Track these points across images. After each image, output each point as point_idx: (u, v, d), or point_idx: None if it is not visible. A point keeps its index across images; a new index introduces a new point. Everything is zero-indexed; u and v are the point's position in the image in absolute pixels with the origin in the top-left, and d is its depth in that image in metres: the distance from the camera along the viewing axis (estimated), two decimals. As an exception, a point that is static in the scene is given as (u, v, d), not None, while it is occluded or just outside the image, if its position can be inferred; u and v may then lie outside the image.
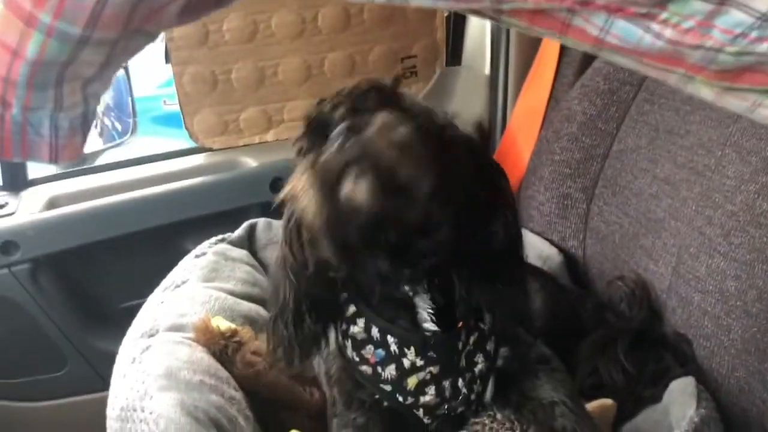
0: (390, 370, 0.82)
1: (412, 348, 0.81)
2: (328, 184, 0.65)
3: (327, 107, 0.75)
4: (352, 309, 0.84)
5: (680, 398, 0.93)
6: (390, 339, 0.81)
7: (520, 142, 1.52)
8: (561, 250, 1.36)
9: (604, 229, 1.29)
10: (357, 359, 0.83)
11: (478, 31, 1.66)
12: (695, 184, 1.10)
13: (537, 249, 1.36)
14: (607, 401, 0.97)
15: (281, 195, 0.75)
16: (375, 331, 0.82)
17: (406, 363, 0.81)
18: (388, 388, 0.83)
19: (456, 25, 1.68)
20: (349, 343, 0.84)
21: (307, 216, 0.69)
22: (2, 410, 1.49)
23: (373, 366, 0.82)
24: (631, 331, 1.11)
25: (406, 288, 0.79)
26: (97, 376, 1.50)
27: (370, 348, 0.82)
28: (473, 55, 1.68)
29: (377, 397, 0.83)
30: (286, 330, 0.82)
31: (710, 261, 1.03)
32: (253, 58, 1.56)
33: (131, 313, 1.21)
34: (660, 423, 0.93)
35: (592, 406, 0.95)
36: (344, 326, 0.85)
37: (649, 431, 0.92)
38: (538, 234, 1.40)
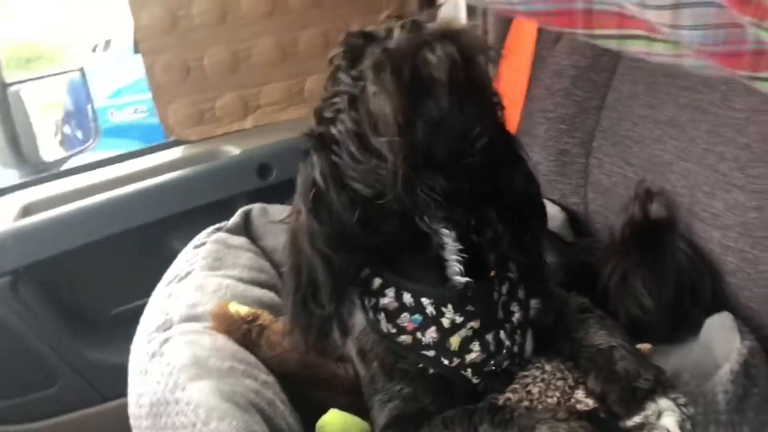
0: (431, 334, 0.79)
1: (450, 305, 0.78)
2: (409, 63, 0.65)
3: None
4: (377, 282, 0.81)
5: (720, 333, 0.91)
6: (425, 301, 0.78)
7: (506, 103, 1.49)
8: (563, 208, 1.35)
9: (606, 181, 1.28)
10: (394, 330, 0.80)
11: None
12: (702, 122, 1.09)
13: (539, 209, 1.34)
14: (646, 346, 0.95)
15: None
16: (407, 297, 0.79)
17: (446, 322, 0.78)
18: (431, 353, 0.79)
19: (428, -7, 1.65)
20: (382, 317, 0.80)
21: (382, 111, 0.66)
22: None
23: (413, 333, 0.79)
24: (641, 252, 1.08)
25: (443, 230, 0.76)
26: (92, 389, 1.43)
27: (405, 316, 0.79)
28: (447, 18, 1.64)
29: (421, 365, 0.80)
30: (319, 309, 0.77)
31: (727, 196, 1.02)
32: (225, 42, 1.50)
33: (123, 320, 1.14)
34: (702, 360, 0.91)
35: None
36: (373, 300, 0.81)
37: (692, 370, 0.90)
38: (537, 195, 1.38)
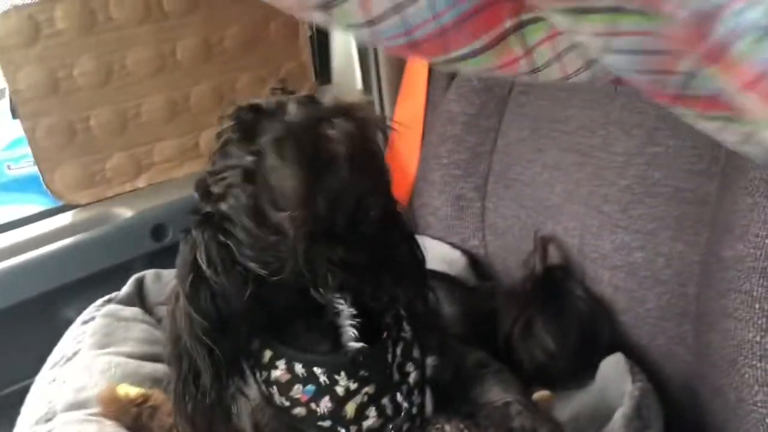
0: (325, 404, 0.77)
1: (342, 372, 0.77)
2: (310, 138, 0.65)
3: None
4: (267, 354, 0.78)
5: (614, 376, 0.94)
6: (317, 370, 0.76)
7: (403, 151, 1.51)
8: (463, 251, 1.36)
9: (501, 223, 1.30)
10: (288, 403, 0.77)
11: (343, 47, 1.64)
12: (586, 165, 1.13)
13: (440, 253, 1.35)
14: (545, 393, 0.97)
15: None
16: (299, 368, 0.77)
17: (340, 390, 0.76)
18: (327, 423, 0.77)
19: (320, 43, 1.65)
20: (274, 389, 0.78)
21: (284, 185, 0.65)
22: None
23: (306, 404, 0.77)
24: (542, 302, 1.11)
25: (338, 299, 0.76)
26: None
27: (298, 387, 0.77)
28: (342, 71, 1.65)
29: None
30: (201, 397, 0.75)
31: (613, 237, 1.06)
32: (112, 102, 1.45)
33: (8, 403, 1.06)
34: (598, 404, 0.93)
35: (533, 397, 0.94)
36: (264, 374, 0.79)
37: (590, 414, 0.92)
38: (439, 239, 1.39)
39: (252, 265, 0.71)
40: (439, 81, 1.46)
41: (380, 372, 0.78)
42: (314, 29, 1.63)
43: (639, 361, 1.01)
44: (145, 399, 0.89)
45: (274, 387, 0.78)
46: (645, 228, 1.01)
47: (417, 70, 1.50)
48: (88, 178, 1.47)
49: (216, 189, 0.71)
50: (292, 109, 0.68)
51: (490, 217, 1.33)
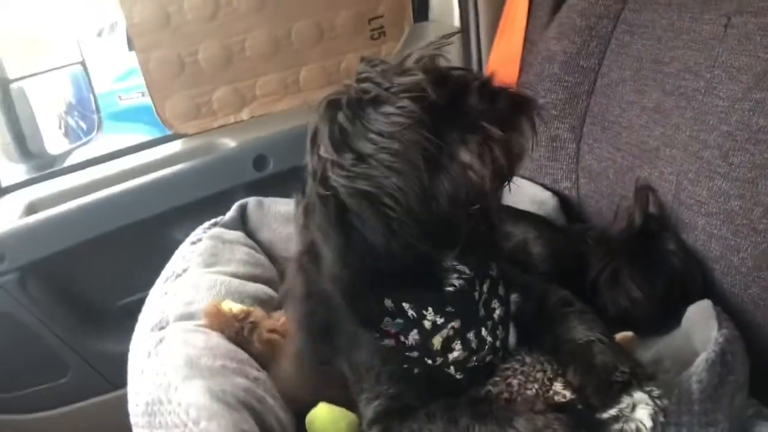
0: (413, 336, 0.81)
1: (430, 308, 0.80)
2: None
3: None
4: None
5: (700, 321, 0.93)
6: (405, 305, 0.80)
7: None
8: (554, 192, 1.36)
9: (596, 166, 1.29)
10: (377, 334, 0.82)
11: (443, -17, 1.63)
12: (687, 110, 1.10)
13: (530, 194, 1.36)
14: (628, 334, 0.98)
15: None
16: (388, 302, 0.81)
17: (427, 324, 0.80)
18: (414, 354, 0.81)
19: (420, -21, 1.65)
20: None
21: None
22: (11, 424, 1.46)
23: (395, 336, 0.81)
24: (629, 253, 1.11)
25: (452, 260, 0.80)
26: (102, 378, 1.47)
27: (387, 320, 0.81)
28: (441, 9, 1.65)
29: (406, 366, 0.82)
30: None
31: (711, 183, 1.03)
32: (219, 36, 1.52)
33: (128, 311, 1.18)
34: (682, 348, 0.93)
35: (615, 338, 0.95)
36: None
37: (673, 357, 0.92)
38: (529, 179, 1.39)
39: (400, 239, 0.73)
40: (539, 18, 1.43)
41: (466, 308, 0.82)
42: (414, -36, 1.62)
43: (729, 309, 1.00)
44: (247, 315, 0.96)
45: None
46: (745, 176, 0.98)
47: (517, 5, 1.48)
48: (195, 109, 1.55)
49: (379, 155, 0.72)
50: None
51: (585, 159, 1.32)
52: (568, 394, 0.79)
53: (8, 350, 1.42)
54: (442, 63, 0.75)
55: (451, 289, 0.80)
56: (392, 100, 0.71)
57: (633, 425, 0.74)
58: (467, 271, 0.81)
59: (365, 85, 0.73)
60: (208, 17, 1.49)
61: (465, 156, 0.71)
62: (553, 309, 0.89)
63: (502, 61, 1.50)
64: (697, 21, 1.11)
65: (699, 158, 1.06)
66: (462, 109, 0.72)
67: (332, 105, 0.75)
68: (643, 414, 0.74)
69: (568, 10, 1.33)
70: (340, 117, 0.73)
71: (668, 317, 1.01)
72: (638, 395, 0.76)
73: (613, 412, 0.76)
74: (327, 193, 0.73)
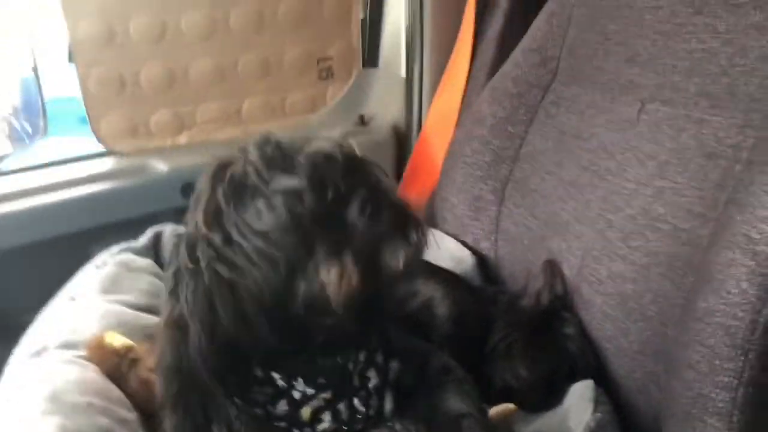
0: (281, 406, 0.79)
1: (300, 378, 0.79)
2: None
3: None
4: None
5: (578, 402, 0.94)
6: (275, 375, 0.79)
7: (434, 144, 1.52)
8: (474, 252, 1.37)
9: (513, 230, 1.30)
10: (245, 404, 0.80)
11: (394, 33, 1.65)
12: (598, 188, 1.12)
13: (450, 252, 1.36)
14: (510, 406, 0.98)
15: None
16: (257, 371, 0.80)
17: (296, 395, 0.79)
18: (282, 424, 0.80)
19: (372, 26, 1.67)
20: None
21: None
22: None
23: (263, 406, 0.80)
24: (531, 328, 1.11)
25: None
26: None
27: (256, 389, 0.80)
28: (390, 57, 1.67)
29: None
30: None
31: (611, 264, 1.05)
32: (163, 59, 1.51)
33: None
34: (558, 427, 0.94)
35: (495, 410, 0.95)
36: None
37: (548, 436, 0.93)
38: (452, 236, 1.40)
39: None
40: (478, 79, 1.46)
41: (339, 379, 0.81)
42: (368, 11, 1.64)
43: (614, 392, 1.01)
44: (128, 351, 0.94)
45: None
46: (640, 260, 1.00)
47: (459, 64, 1.50)
48: (131, 129, 1.54)
49: (239, 239, 0.72)
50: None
51: (504, 222, 1.33)
52: (430, 468, 0.79)
53: None
54: (341, 157, 0.74)
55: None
56: (267, 198, 0.71)
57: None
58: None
59: (249, 170, 0.72)
60: (154, 39, 1.49)
61: (324, 274, 0.70)
62: (433, 377, 0.89)
63: (440, 116, 1.52)
64: (615, 102, 1.13)
65: (604, 237, 1.08)
66: (338, 220, 0.71)
67: (218, 174, 0.74)
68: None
69: (502, 75, 1.35)
70: (219, 193, 0.73)
71: (552, 396, 1.02)
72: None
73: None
74: (192, 266, 0.73)
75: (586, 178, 1.15)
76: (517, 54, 1.35)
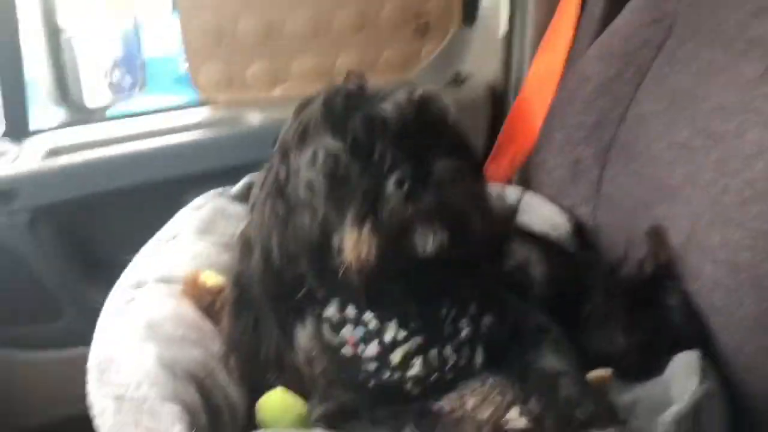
0: (372, 348, 0.79)
1: (393, 321, 0.78)
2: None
3: None
4: (322, 291, 0.81)
5: (683, 372, 0.88)
6: (368, 316, 0.78)
7: (534, 105, 1.46)
8: (570, 217, 1.32)
9: (615, 196, 1.24)
10: (336, 342, 0.80)
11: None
12: (713, 150, 1.04)
13: (546, 215, 1.31)
14: (606, 371, 0.93)
15: None
16: (350, 310, 0.79)
17: (388, 338, 0.78)
18: (372, 366, 0.79)
19: (474, -20, 1.61)
20: (326, 326, 0.81)
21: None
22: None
23: (354, 346, 0.79)
24: (631, 296, 1.06)
25: None
26: (91, 328, 1.49)
27: (348, 328, 0.79)
28: (489, 14, 1.61)
29: (361, 377, 0.80)
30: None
31: (725, 230, 0.98)
32: (260, 11, 1.51)
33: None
34: (659, 396, 0.89)
35: (591, 374, 0.91)
36: (317, 309, 0.81)
37: (648, 403, 0.88)
38: (549, 200, 1.35)
39: None
40: (584, 38, 1.39)
41: (432, 325, 0.79)
42: (467, -32, 1.59)
43: (722, 365, 0.95)
44: (221, 290, 0.95)
45: (326, 324, 0.81)
46: (759, 227, 0.93)
47: (564, 21, 1.43)
48: (227, 80, 1.55)
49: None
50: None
51: (606, 187, 1.27)
52: (522, 422, 0.76)
53: (6, 284, 1.45)
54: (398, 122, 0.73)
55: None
56: (315, 152, 0.73)
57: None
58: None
59: (311, 117, 0.75)
60: (253, -10, 1.49)
61: (345, 239, 0.70)
62: (528, 335, 0.86)
63: (541, 76, 1.46)
64: (738, 60, 1.05)
65: (717, 202, 1.01)
66: (373, 189, 0.70)
67: (298, 110, 0.80)
68: (596, 455, 0.71)
69: (610, 33, 1.28)
70: (291, 130, 0.79)
71: (652, 366, 0.96)
72: (596, 436, 0.72)
73: (566, 448, 0.73)
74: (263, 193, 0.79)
75: (700, 140, 1.08)
76: (627, 10, 1.28)
